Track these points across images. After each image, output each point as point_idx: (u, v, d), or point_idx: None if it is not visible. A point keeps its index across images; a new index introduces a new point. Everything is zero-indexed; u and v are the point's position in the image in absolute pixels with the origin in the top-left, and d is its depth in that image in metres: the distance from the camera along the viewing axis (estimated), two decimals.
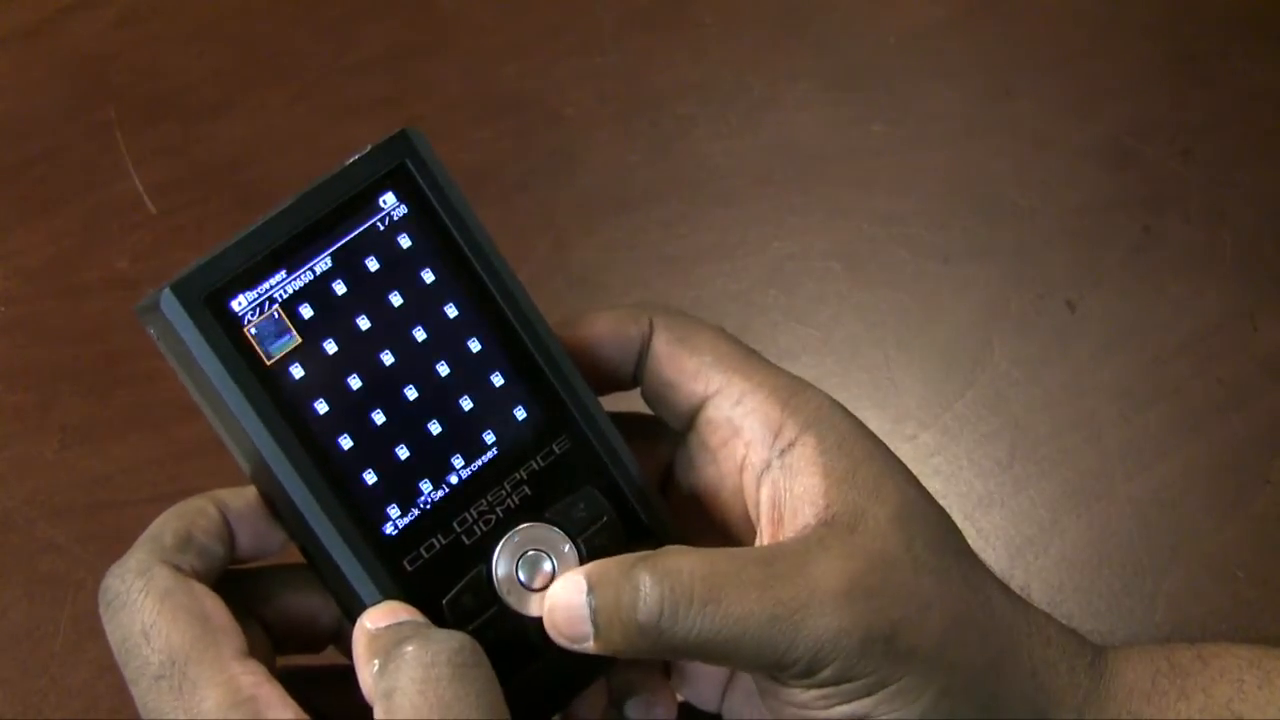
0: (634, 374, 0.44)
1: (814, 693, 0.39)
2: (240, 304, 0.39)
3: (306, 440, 0.39)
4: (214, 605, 0.39)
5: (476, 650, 0.37)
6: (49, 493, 0.66)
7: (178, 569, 0.39)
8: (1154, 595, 0.63)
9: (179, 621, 0.38)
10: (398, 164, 0.41)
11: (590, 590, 0.39)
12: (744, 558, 0.39)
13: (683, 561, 0.39)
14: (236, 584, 0.42)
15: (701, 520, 0.45)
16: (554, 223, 0.72)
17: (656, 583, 0.38)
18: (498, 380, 0.41)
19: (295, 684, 0.39)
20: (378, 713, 0.36)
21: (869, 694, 0.38)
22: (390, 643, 0.37)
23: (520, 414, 0.41)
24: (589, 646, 0.39)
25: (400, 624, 0.38)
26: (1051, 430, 0.67)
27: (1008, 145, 0.75)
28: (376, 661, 0.37)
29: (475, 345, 0.41)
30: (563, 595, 0.39)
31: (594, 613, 0.39)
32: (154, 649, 0.38)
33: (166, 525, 0.40)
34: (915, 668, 0.39)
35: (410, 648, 0.36)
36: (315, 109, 0.76)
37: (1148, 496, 0.65)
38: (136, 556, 0.39)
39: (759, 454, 0.42)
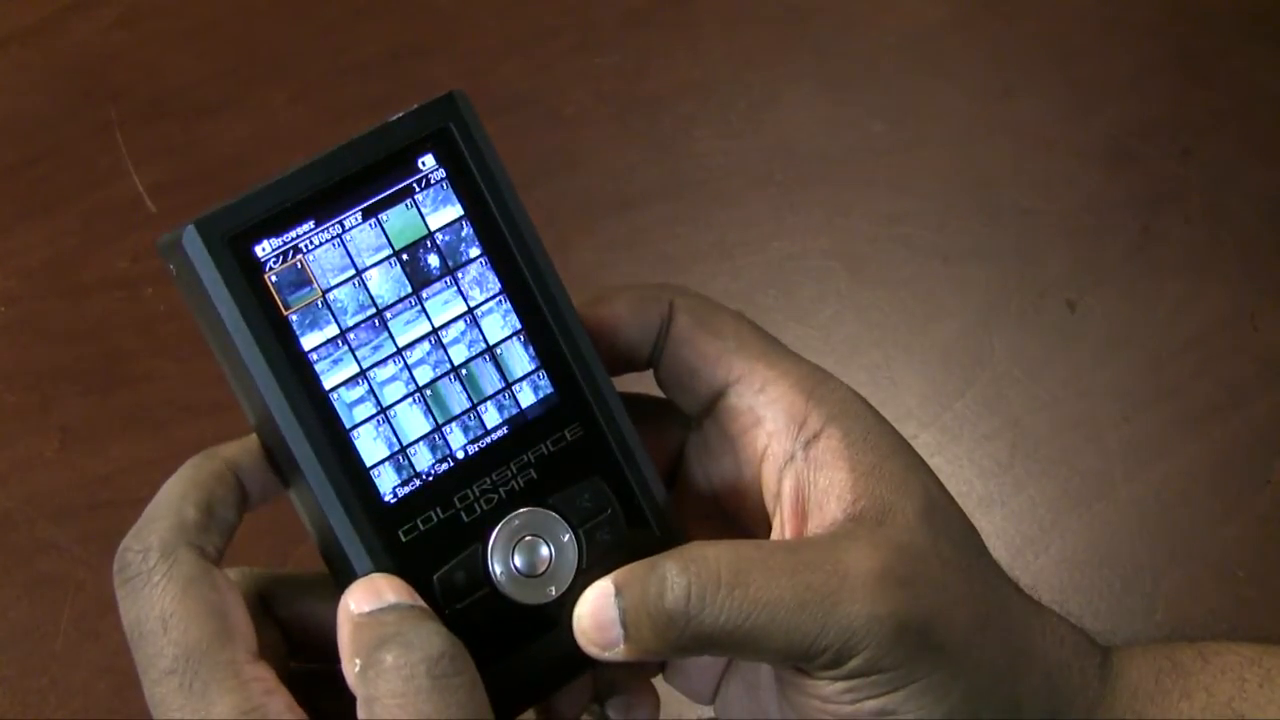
0: (650, 356, 0.44)
1: (841, 685, 0.39)
2: (264, 249, 0.38)
3: (315, 396, 0.38)
4: (233, 600, 0.38)
5: (457, 657, 0.36)
6: (49, 493, 0.66)
7: (202, 552, 0.39)
8: (1154, 595, 0.63)
9: (199, 615, 0.37)
10: (441, 126, 0.40)
11: (618, 593, 0.39)
12: (770, 546, 0.39)
13: (708, 550, 0.38)
14: (259, 583, 0.42)
15: (714, 509, 0.44)
16: (554, 223, 0.72)
17: (682, 570, 0.38)
18: (518, 359, 0.41)
19: (304, 686, 0.39)
20: (360, 713, 0.36)
21: (896, 689, 0.38)
22: (371, 641, 0.37)
23: (536, 396, 0.41)
24: (620, 652, 0.39)
25: (384, 610, 0.37)
26: (1051, 430, 0.67)
27: (1008, 145, 0.75)
28: (358, 661, 0.37)
29: (499, 321, 0.40)
30: (591, 602, 0.39)
31: (623, 613, 0.38)
32: (170, 640, 0.37)
33: (187, 496, 0.39)
34: (943, 663, 0.38)
35: (390, 656, 0.36)
36: (315, 109, 0.76)
37: (1148, 496, 0.65)
38: (159, 533, 0.38)
39: (782, 444, 0.41)
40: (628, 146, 0.75)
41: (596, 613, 0.39)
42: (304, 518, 0.41)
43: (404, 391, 0.40)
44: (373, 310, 0.39)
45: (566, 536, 0.40)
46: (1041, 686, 0.41)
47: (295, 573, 0.43)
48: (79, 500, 0.65)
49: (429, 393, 0.40)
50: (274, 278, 0.38)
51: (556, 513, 0.41)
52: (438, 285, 0.40)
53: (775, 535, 0.42)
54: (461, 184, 0.40)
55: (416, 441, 0.40)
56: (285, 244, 0.38)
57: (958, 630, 0.39)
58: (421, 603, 0.38)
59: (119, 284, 0.71)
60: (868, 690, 0.38)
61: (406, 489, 0.39)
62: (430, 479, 0.40)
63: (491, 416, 0.40)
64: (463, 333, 0.40)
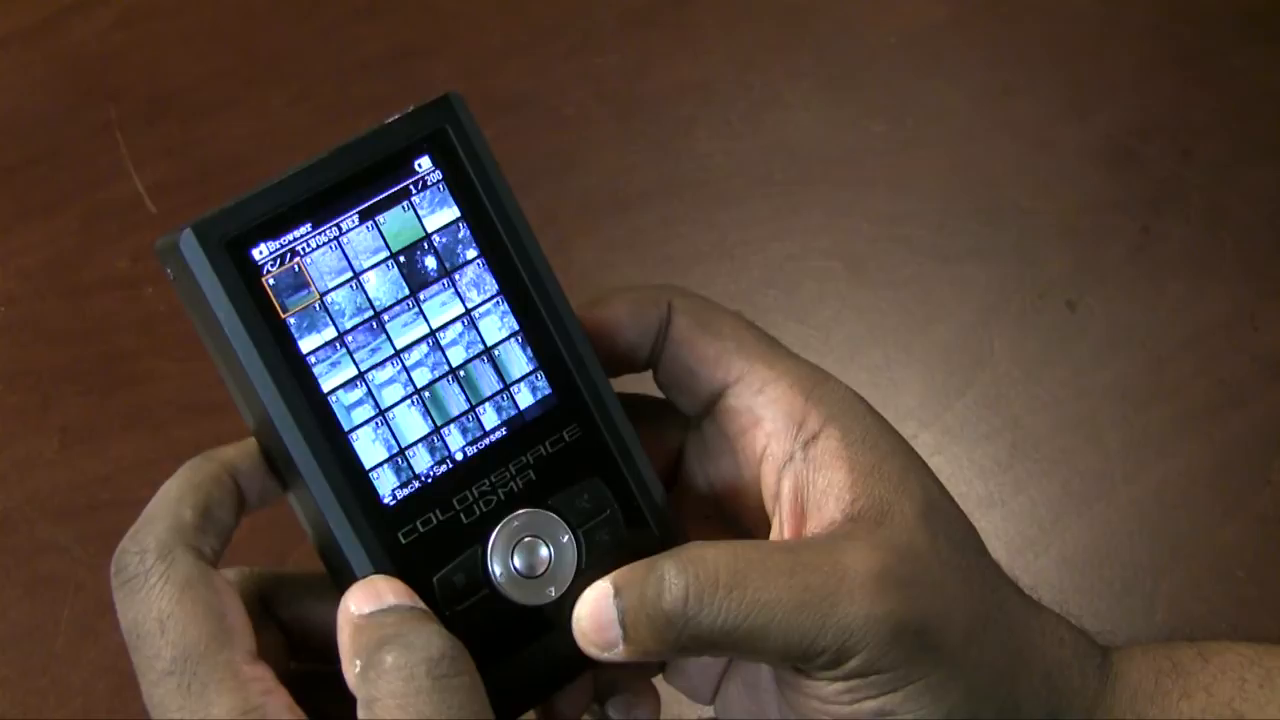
0: (649, 357, 0.44)
1: (839, 685, 0.39)
2: (261, 253, 0.38)
3: (313, 399, 0.38)
4: (230, 600, 0.38)
5: (458, 658, 0.37)
6: (49, 493, 0.66)
7: (200, 553, 0.39)
8: (1154, 595, 0.63)
9: (196, 616, 0.37)
10: (438, 129, 0.40)
11: (617, 593, 0.39)
12: (769, 547, 0.39)
13: (707, 551, 0.38)
14: (259, 583, 0.42)
15: (713, 510, 0.45)
16: (554, 223, 0.72)
17: (680, 571, 0.38)
18: (516, 361, 0.41)
19: (304, 686, 0.39)
20: (360, 714, 0.36)
21: (895, 689, 0.38)
22: (372, 643, 0.37)
23: (535, 398, 0.41)
24: (619, 653, 0.39)
25: (384, 612, 0.37)
26: (1051, 430, 0.67)
27: (1008, 145, 0.75)
28: (358, 662, 0.37)
29: (496, 323, 0.41)
30: (590, 602, 0.39)
31: (621, 614, 0.38)
32: (168, 641, 0.37)
33: (184, 498, 0.39)
34: (942, 664, 0.38)
35: (390, 657, 0.36)
36: (315, 109, 0.76)
37: (1148, 496, 0.65)
38: (156, 534, 0.38)
39: (781, 445, 0.41)
40: (628, 146, 0.75)
41: (595, 613, 0.39)
42: (303, 520, 0.41)
43: (402, 394, 0.40)
44: (370, 313, 0.39)
45: (566, 537, 0.40)
46: (1041, 687, 0.41)
47: (295, 572, 0.43)
48: (79, 500, 0.65)
49: (427, 394, 0.40)
50: (271, 281, 0.38)
51: (556, 514, 0.41)
52: (435, 287, 0.40)
53: (774, 536, 0.42)
54: (458, 186, 0.40)
55: (415, 443, 0.40)
56: (282, 247, 0.39)
57: (956, 631, 0.39)
58: (421, 604, 0.38)
59: (119, 284, 0.71)
60: (866, 691, 0.38)
61: (406, 491, 0.39)
62: (429, 481, 0.40)
63: (490, 418, 0.40)
64: (460, 334, 0.40)
